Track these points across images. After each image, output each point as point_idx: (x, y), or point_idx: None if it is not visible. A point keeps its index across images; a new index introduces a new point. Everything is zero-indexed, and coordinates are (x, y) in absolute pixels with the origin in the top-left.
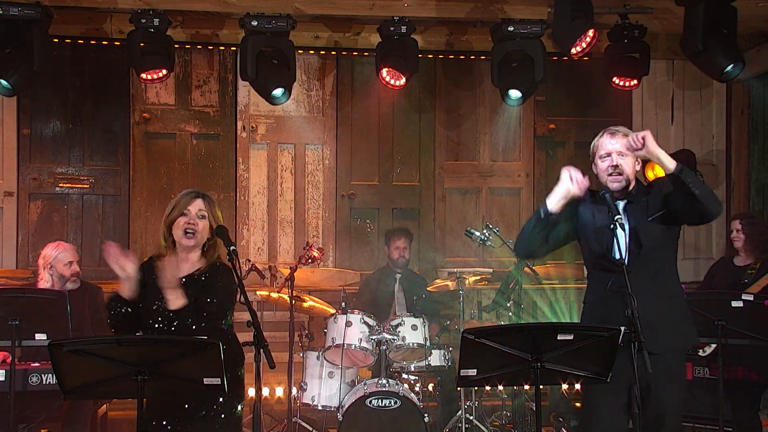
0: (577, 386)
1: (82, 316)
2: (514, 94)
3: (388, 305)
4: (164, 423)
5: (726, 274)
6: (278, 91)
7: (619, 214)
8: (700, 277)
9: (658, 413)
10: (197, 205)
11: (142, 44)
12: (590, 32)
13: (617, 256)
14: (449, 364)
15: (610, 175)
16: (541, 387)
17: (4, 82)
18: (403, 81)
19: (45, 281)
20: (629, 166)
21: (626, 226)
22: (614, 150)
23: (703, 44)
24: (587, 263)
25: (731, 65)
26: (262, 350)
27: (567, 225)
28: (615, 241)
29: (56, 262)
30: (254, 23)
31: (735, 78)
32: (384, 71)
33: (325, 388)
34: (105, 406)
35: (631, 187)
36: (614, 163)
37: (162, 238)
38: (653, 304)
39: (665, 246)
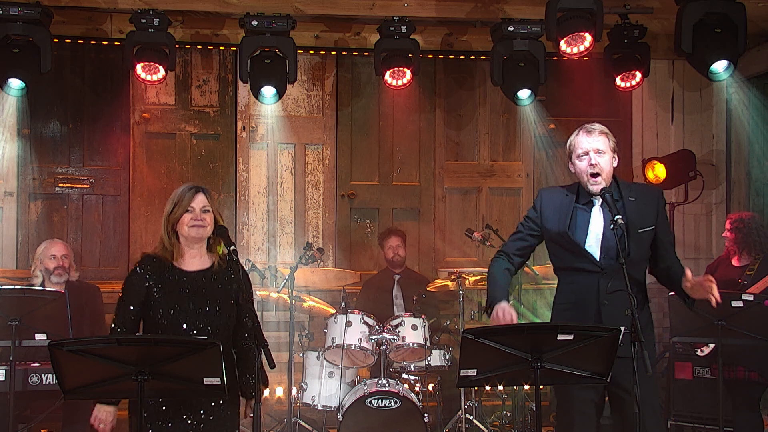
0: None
1: (81, 315)
2: (524, 93)
3: (387, 306)
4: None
5: (724, 273)
6: (269, 92)
7: (619, 213)
8: None
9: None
10: (201, 201)
11: (141, 44)
12: (587, 35)
13: (597, 257)
14: (449, 364)
15: (591, 175)
16: (541, 387)
17: (20, 83)
18: (403, 81)
19: (36, 278)
20: (607, 164)
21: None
22: (591, 148)
23: (692, 43)
24: (560, 266)
25: (718, 66)
26: (262, 350)
27: (535, 240)
28: (616, 241)
29: (42, 257)
30: (254, 23)
31: (724, 79)
32: (385, 72)
33: (325, 388)
34: None
35: (607, 185)
36: (593, 162)
37: (165, 236)
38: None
39: (645, 257)
